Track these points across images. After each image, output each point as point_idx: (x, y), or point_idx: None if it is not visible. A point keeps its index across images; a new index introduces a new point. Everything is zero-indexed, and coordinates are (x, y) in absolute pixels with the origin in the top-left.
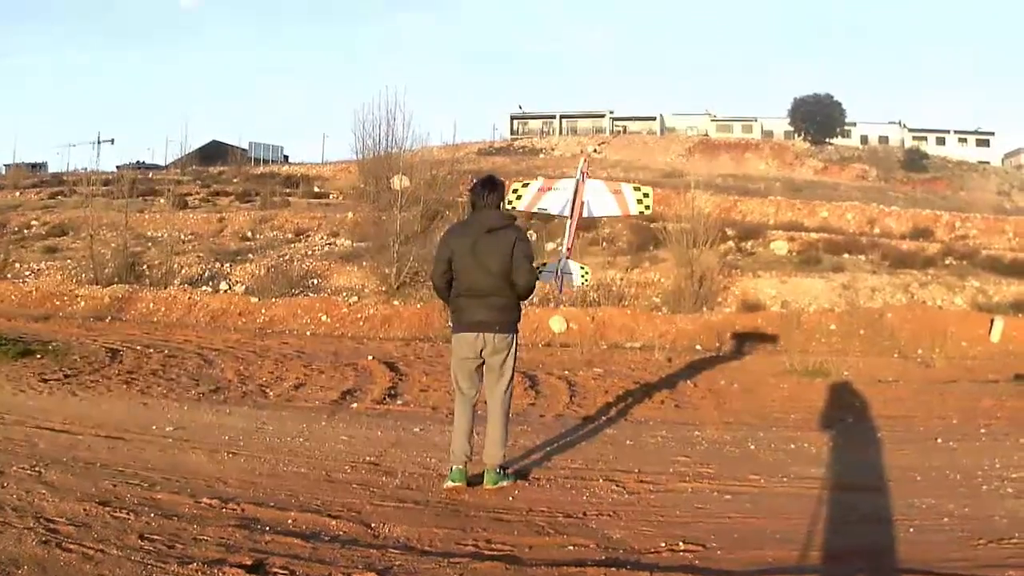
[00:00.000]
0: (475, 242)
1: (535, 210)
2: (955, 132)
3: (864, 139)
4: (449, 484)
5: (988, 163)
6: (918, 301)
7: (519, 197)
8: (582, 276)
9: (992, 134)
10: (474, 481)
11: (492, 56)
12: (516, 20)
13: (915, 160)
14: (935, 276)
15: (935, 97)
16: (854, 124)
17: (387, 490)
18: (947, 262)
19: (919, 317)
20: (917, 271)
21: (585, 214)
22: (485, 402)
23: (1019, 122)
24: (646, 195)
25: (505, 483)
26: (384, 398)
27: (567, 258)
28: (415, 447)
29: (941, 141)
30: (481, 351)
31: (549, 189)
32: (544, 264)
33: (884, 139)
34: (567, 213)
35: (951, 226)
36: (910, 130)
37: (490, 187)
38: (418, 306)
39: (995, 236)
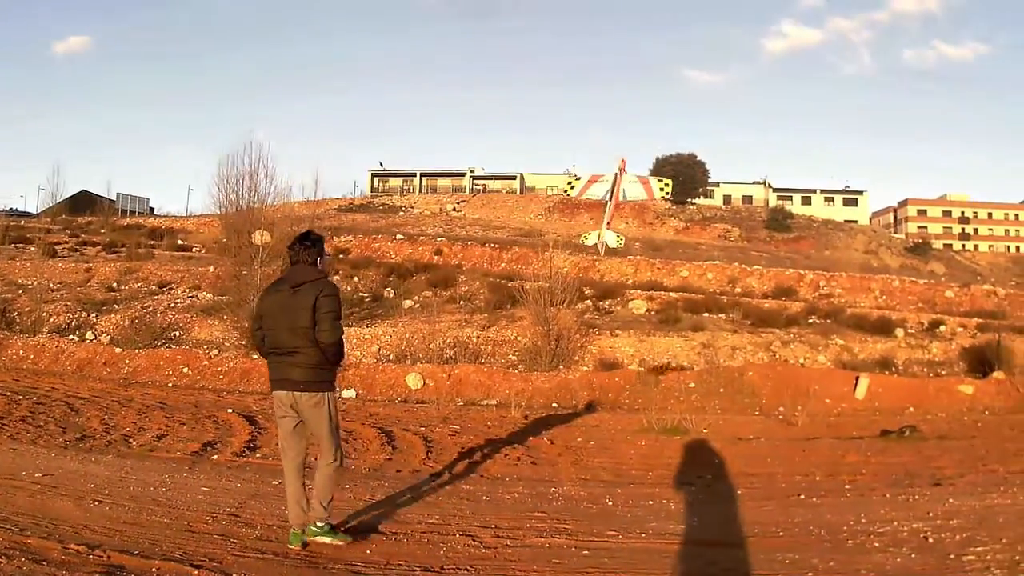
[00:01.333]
0: (284, 299)
1: (584, 197)
2: (822, 191)
3: (728, 199)
4: (289, 547)
5: (856, 222)
6: (780, 359)
7: (572, 187)
8: (617, 240)
9: (861, 193)
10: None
11: (355, 113)
12: (381, 77)
13: (779, 219)
14: (798, 335)
15: (803, 157)
16: (717, 184)
17: (247, 541)
18: (811, 320)
19: (781, 375)
20: (779, 330)
21: (621, 198)
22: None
23: (888, 181)
24: (667, 184)
25: (327, 539)
26: (243, 450)
27: (607, 228)
28: (274, 499)
29: (807, 200)
30: (294, 409)
31: (596, 181)
32: (588, 234)
33: (748, 199)
34: (608, 199)
35: (815, 285)
36: (775, 189)
37: (306, 243)
38: None
39: (861, 294)
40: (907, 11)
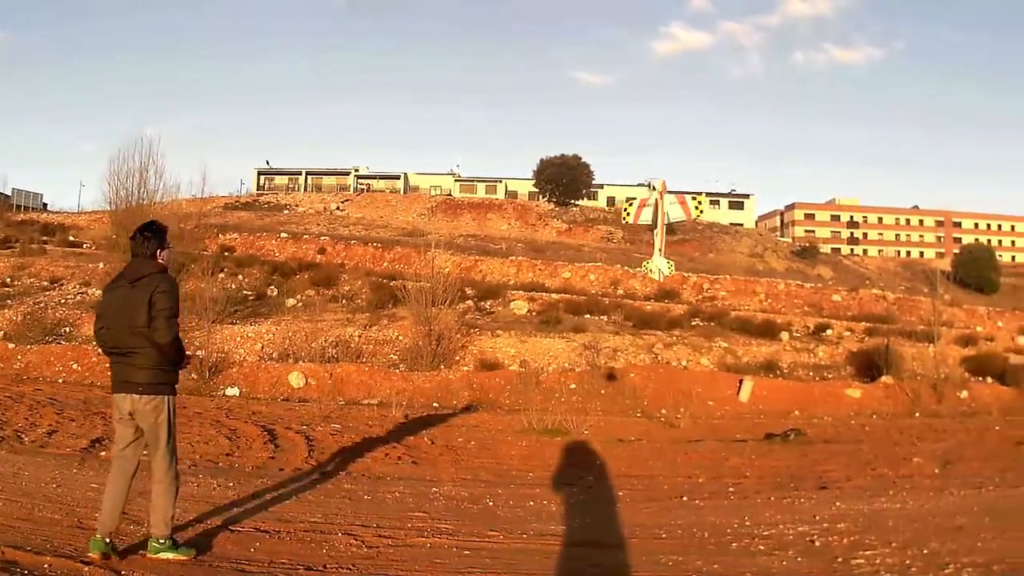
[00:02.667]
0: (123, 295)
1: (639, 223)
2: (708, 195)
3: (611, 201)
4: (89, 555)
5: (742, 225)
6: (662, 361)
7: (629, 214)
8: (669, 267)
9: (747, 196)
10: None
11: (243, 109)
12: (270, 76)
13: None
14: (681, 337)
15: (689, 160)
16: (601, 186)
17: (135, 538)
18: (694, 323)
19: (663, 377)
20: (662, 332)
21: (667, 221)
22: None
23: (776, 185)
24: (700, 203)
25: (170, 555)
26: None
27: (659, 255)
28: None
29: None
30: (130, 413)
31: (644, 206)
32: (647, 263)
33: (632, 201)
34: (654, 223)
35: (699, 287)
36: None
37: (146, 233)
38: (200, 353)
39: (746, 297)
40: (799, 14)
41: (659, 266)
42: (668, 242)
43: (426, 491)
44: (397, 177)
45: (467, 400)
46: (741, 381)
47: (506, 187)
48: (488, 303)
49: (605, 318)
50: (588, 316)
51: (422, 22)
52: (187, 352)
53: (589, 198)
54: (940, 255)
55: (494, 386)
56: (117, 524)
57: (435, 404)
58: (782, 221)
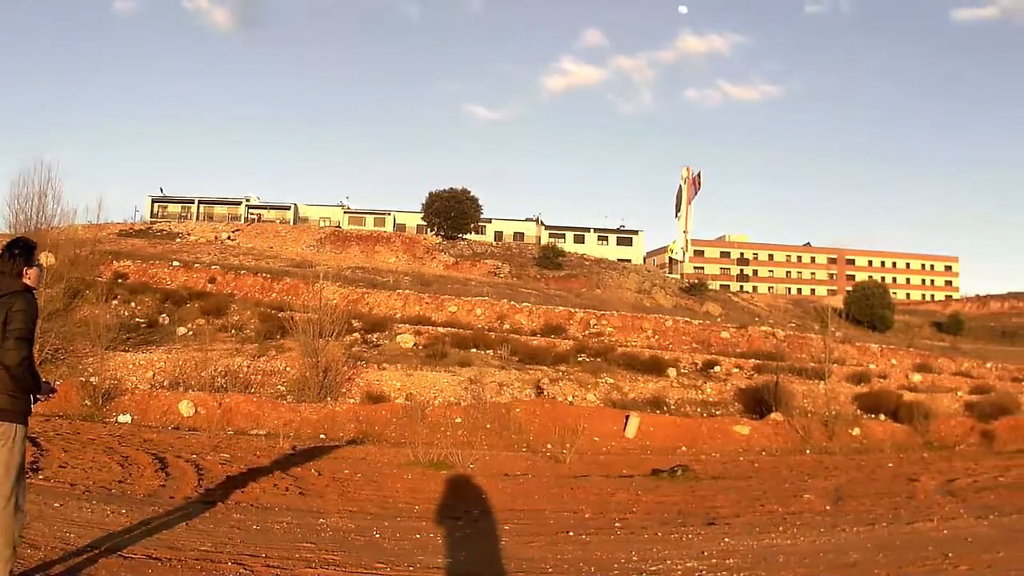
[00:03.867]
0: None
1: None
2: (596, 230)
3: (499, 235)
4: None
5: (630, 261)
6: (548, 396)
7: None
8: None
9: (636, 232)
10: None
11: (138, 136)
12: (164, 103)
13: (550, 257)
14: (567, 372)
15: (577, 195)
16: (490, 220)
17: (31, 563)
18: (580, 359)
19: (548, 412)
20: (548, 367)
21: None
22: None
23: (665, 221)
24: (699, 179)
25: None
26: (27, 471)
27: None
28: (56, 522)
29: (580, 239)
30: None
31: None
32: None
33: (520, 235)
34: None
35: (586, 323)
36: (547, 227)
37: (14, 251)
38: (57, 383)
39: (633, 333)
40: (693, 51)
41: (683, 246)
42: (555, 278)
43: (313, 522)
44: (287, 208)
45: (353, 432)
46: (628, 417)
47: (394, 220)
48: (375, 336)
49: (491, 352)
50: (474, 350)
51: (315, 52)
52: (44, 380)
53: (477, 232)
54: (832, 292)
55: (380, 419)
56: None
57: (322, 436)
58: (671, 258)
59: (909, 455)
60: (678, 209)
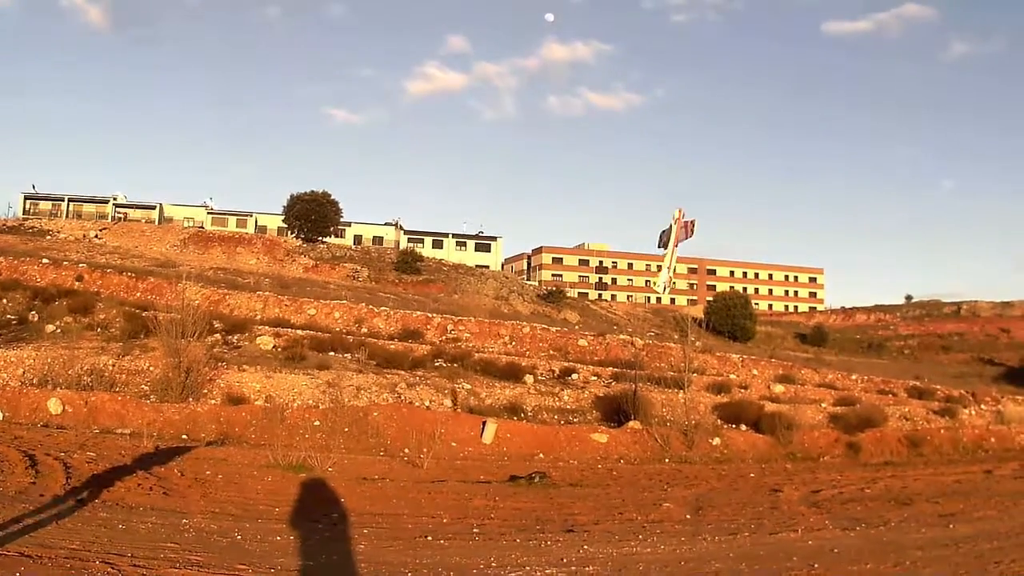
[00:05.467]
0: None
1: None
2: (455, 236)
3: (358, 239)
4: None
5: (488, 267)
6: (406, 401)
7: (660, 241)
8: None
9: (494, 239)
10: None
11: (12, 132)
12: (37, 100)
13: (409, 261)
14: (424, 377)
15: (437, 201)
16: (349, 224)
17: None
18: (437, 364)
19: (406, 417)
20: (405, 371)
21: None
22: None
23: (525, 228)
24: (693, 226)
25: None
26: None
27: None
28: None
29: (439, 244)
30: None
31: (667, 234)
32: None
33: (379, 240)
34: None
35: (443, 328)
36: (406, 232)
37: None
38: None
39: (490, 339)
40: (557, 58)
41: (664, 282)
42: (413, 283)
43: (177, 522)
44: (153, 207)
45: (215, 433)
46: (485, 423)
47: (256, 221)
48: (236, 337)
49: (349, 356)
50: (332, 353)
51: (185, 52)
52: None
53: (337, 235)
54: (693, 303)
55: (240, 420)
56: None
57: (184, 436)
58: (529, 264)
59: (772, 466)
60: (662, 244)
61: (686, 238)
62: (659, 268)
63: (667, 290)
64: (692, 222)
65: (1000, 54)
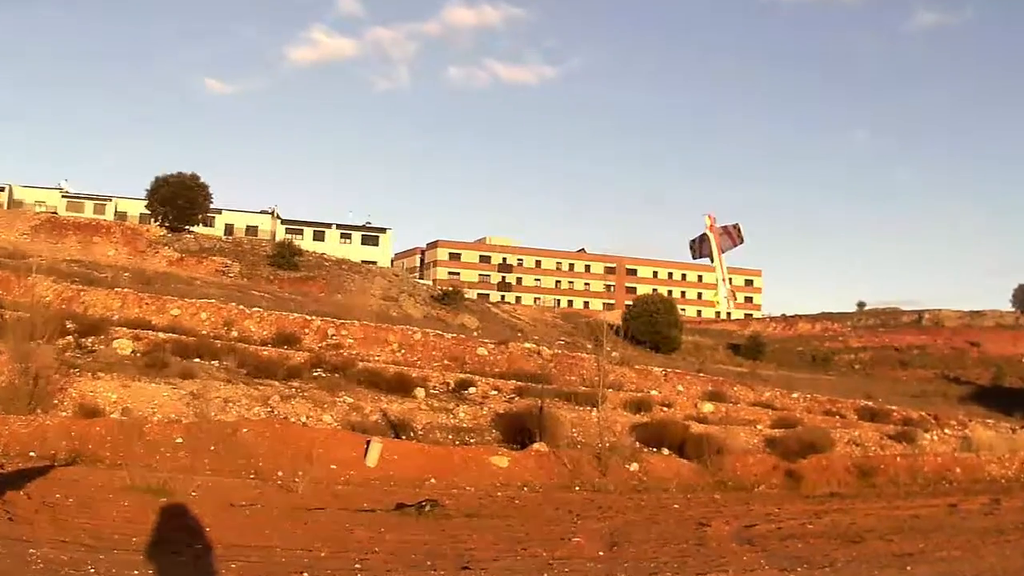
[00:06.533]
0: None
1: (703, 257)
2: (339, 227)
3: (230, 228)
4: None
5: (376, 263)
6: (279, 416)
7: (694, 251)
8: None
9: (383, 231)
10: None
11: None
12: None
13: (286, 255)
14: (301, 389)
15: (319, 186)
16: (220, 211)
17: None
18: (316, 373)
19: (280, 434)
20: (279, 382)
21: (722, 253)
22: None
23: (418, 219)
24: (739, 230)
25: None
26: None
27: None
28: None
29: (320, 236)
30: None
31: (704, 241)
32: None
33: (253, 230)
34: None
35: (323, 333)
36: (284, 221)
37: None
38: None
39: (377, 347)
40: (461, 24)
41: (725, 296)
42: (290, 280)
43: (24, 552)
44: (1, 190)
45: (66, 450)
46: (368, 443)
47: (116, 207)
48: (90, 340)
49: (216, 363)
50: (198, 360)
51: (43, 17)
52: None
53: (206, 224)
54: (609, 307)
55: (95, 436)
56: None
57: (32, 453)
58: (422, 261)
59: (698, 496)
60: (701, 255)
61: (734, 245)
62: (571, 267)
63: (730, 303)
64: (736, 226)
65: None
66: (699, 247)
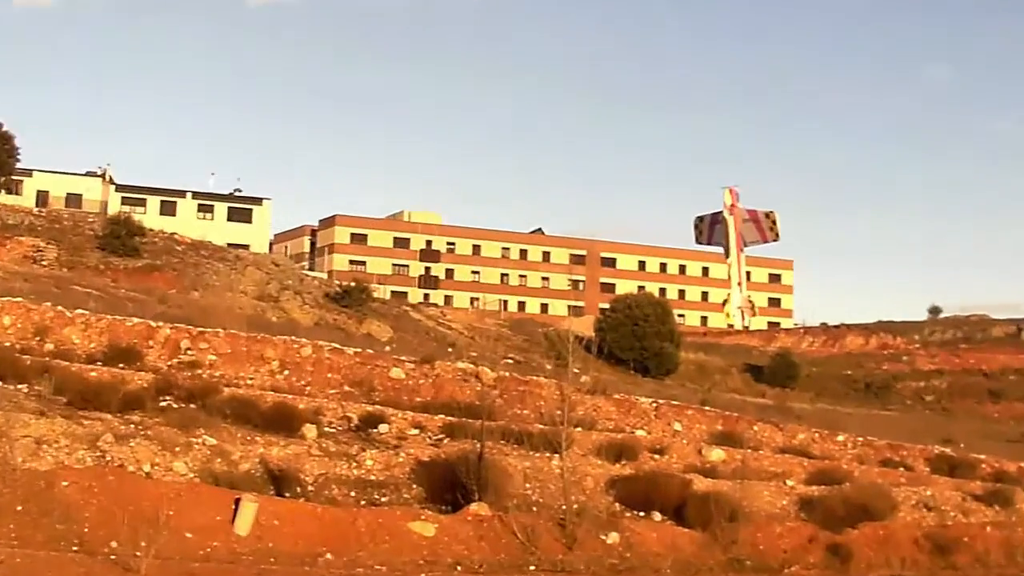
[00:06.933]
0: None
1: (712, 244)
2: (196, 196)
3: (43, 197)
4: None
5: (248, 248)
6: (113, 464)
7: (701, 233)
8: (753, 309)
9: (259, 202)
10: None
11: None
12: None
13: (122, 236)
14: (144, 425)
15: (168, 138)
16: (30, 173)
17: None
18: (165, 403)
19: (114, 489)
20: (113, 416)
21: (742, 247)
22: None
23: (308, 188)
24: (774, 221)
25: None
26: None
27: (741, 291)
28: None
29: (171, 209)
30: None
31: (717, 223)
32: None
33: (76, 199)
34: (728, 248)
35: (175, 346)
36: (120, 187)
37: None
38: None
39: (250, 365)
40: None
41: (740, 305)
42: (129, 270)
43: None
44: None
45: None
46: (238, 501)
47: None
48: None
49: (24, 388)
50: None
51: None
52: None
53: (12, 192)
54: (577, 311)
55: None
56: None
57: None
58: (314, 245)
59: None
60: (709, 241)
61: (763, 240)
62: (523, 254)
63: (745, 316)
64: (770, 216)
65: None
66: (709, 230)
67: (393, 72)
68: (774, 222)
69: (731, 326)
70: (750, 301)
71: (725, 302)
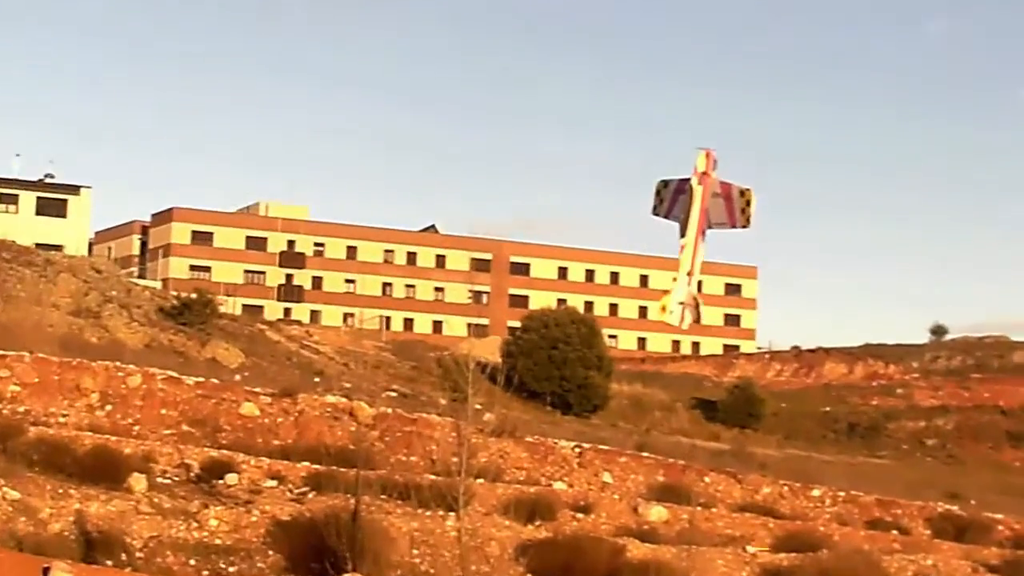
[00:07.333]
0: None
1: (671, 218)
2: None
3: None
4: None
5: (62, 248)
6: None
7: (662, 201)
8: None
9: (76, 191)
10: None
11: None
12: None
13: None
14: None
15: None
16: None
17: None
18: None
19: None
20: None
21: (704, 228)
22: None
23: (134, 172)
24: (748, 202)
25: None
26: None
27: (688, 285)
28: None
29: None
30: None
31: (682, 192)
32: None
33: None
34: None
35: None
36: None
37: None
38: None
39: (63, 397)
40: None
41: (683, 300)
42: None
43: None
44: None
45: None
46: (47, 572)
47: None
48: None
49: None
50: None
51: None
52: None
53: None
54: (479, 330)
55: None
56: None
57: None
58: (145, 246)
59: None
60: (663, 211)
61: (732, 224)
62: (411, 258)
63: (687, 317)
64: (745, 193)
65: None
66: (671, 200)
67: (246, 33)
68: (748, 202)
69: (678, 342)
70: (695, 299)
71: (665, 292)
